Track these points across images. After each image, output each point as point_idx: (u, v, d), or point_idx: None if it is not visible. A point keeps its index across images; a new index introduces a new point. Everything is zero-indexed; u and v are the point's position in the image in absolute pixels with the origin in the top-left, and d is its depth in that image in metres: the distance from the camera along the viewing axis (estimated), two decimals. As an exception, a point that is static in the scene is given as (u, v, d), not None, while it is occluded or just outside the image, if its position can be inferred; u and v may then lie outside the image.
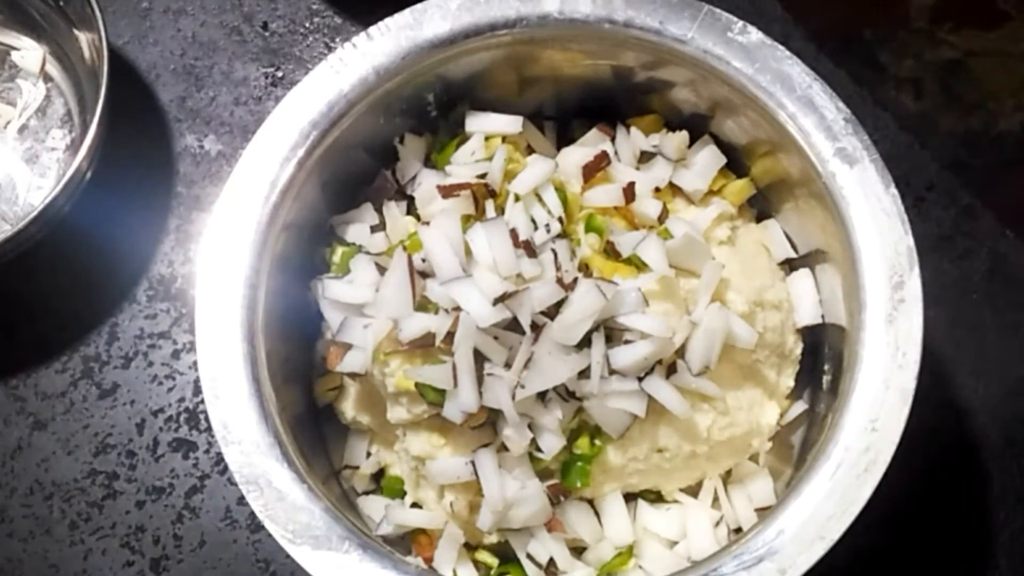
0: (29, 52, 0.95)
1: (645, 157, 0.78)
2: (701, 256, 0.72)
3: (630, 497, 0.74)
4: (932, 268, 0.85)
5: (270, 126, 0.73)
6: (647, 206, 0.73)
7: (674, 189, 0.78)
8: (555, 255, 0.69)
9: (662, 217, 0.72)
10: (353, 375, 0.73)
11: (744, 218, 0.80)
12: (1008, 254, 0.87)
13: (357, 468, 0.78)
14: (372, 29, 0.74)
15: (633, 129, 0.79)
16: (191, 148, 0.93)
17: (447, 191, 0.73)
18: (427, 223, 0.73)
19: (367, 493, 0.79)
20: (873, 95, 0.91)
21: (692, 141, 0.78)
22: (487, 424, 0.70)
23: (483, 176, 0.73)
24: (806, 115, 0.71)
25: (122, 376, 0.88)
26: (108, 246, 0.90)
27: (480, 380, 0.67)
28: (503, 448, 0.70)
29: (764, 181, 0.78)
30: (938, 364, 0.85)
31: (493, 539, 0.73)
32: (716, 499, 0.75)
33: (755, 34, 0.73)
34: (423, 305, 0.70)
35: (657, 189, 0.76)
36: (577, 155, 0.75)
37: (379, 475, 0.79)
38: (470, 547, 0.75)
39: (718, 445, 0.73)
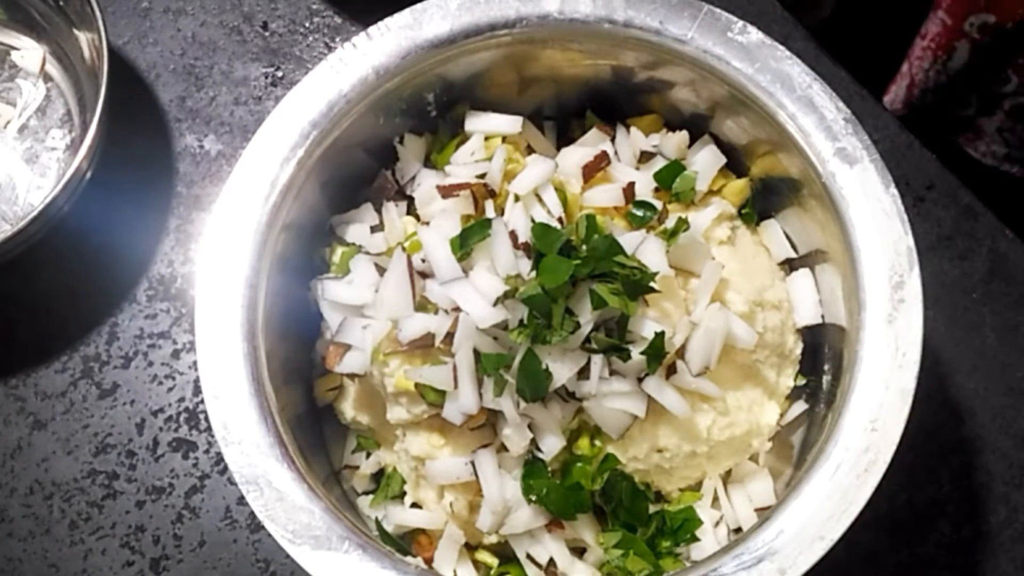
0: (29, 52, 0.95)
1: (645, 157, 0.78)
2: (701, 256, 0.72)
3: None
4: (932, 268, 0.85)
5: (270, 126, 0.73)
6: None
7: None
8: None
9: (662, 217, 0.72)
10: (352, 375, 0.73)
11: (744, 218, 0.80)
12: (1008, 254, 0.87)
13: (357, 468, 0.78)
14: (372, 29, 0.74)
15: (633, 129, 0.79)
16: (191, 148, 0.93)
17: (447, 191, 0.73)
18: (427, 223, 0.73)
19: (367, 493, 0.79)
20: (873, 95, 0.91)
21: (692, 141, 0.78)
22: (487, 424, 0.70)
23: (483, 176, 0.73)
24: (806, 115, 0.71)
25: (122, 376, 0.88)
26: (108, 246, 0.90)
27: (480, 381, 0.67)
28: (503, 448, 0.70)
29: (764, 181, 0.78)
30: (938, 364, 0.85)
31: (493, 539, 0.73)
32: (716, 499, 0.75)
33: (755, 34, 0.73)
34: (423, 305, 0.70)
35: (657, 189, 0.76)
36: (577, 155, 0.75)
37: (379, 475, 0.79)
38: (470, 547, 0.75)
39: (718, 445, 0.73)
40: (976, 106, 0.89)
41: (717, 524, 0.74)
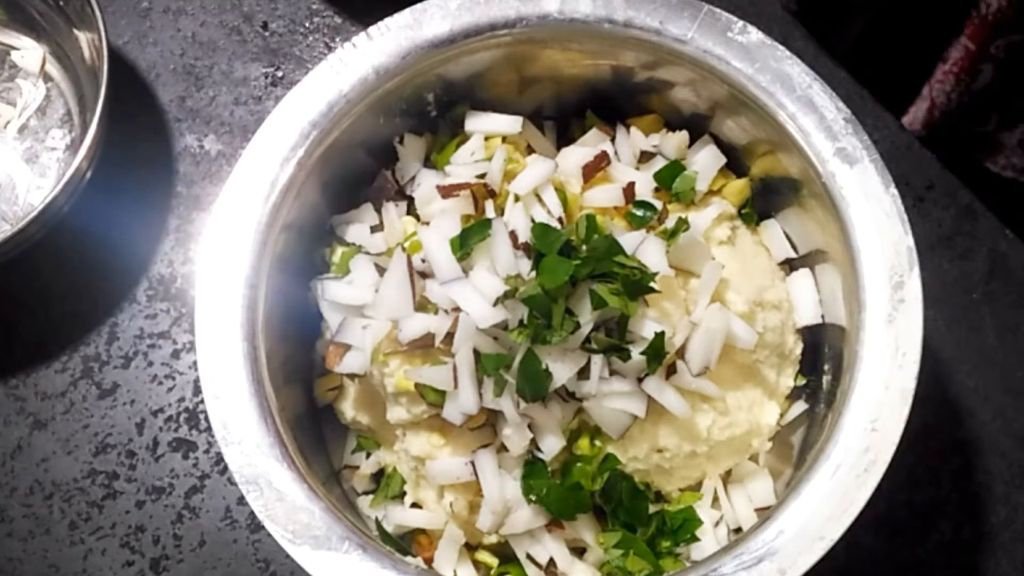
0: (29, 52, 0.95)
1: (645, 157, 0.78)
2: (701, 256, 0.72)
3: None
4: (932, 268, 0.85)
5: (270, 126, 0.73)
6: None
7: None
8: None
9: (662, 217, 0.72)
10: (352, 375, 0.73)
11: (744, 218, 0.80)
12: (1008, 254, 0.87)
13: (357, 468, 0.78)
14: (372, 29, 0.74)
15: (633, 129, 0.79)
16: (191, 148, 0.93)
17: (447, 191, 0.73)
18: (427, 223, 0.73)
19: (367, 493, 0.79)
20: (873, 95, 0.91)
21: (692, 141, 0.78)
22: (487, 424, 0.70)
23: (483, 176, 0.73)
24: (806, 115, 0.71)
25: (122, 376, 0.88)
26: (108, 246, 0.91)
27: (480, 381, 0.67)
28: (503, 448, 0.70)
29: (764, 181, 0.78)
30: (938, 364, 0.85)
31: (493, 539, 0.73)
32: (716, 499, 0.75)
33: (755, 34, 0.73)
34: (423, 305, 0.70)
35: (657, 189, 0.76)
36: (577, 155, 0.75)
37: (379, 475, 0.79)
38: (470, 547, 0.75)
39: (718, 445, 0.73)
40: (996, 122, 0.89)
41: (717, 524, 0.74)
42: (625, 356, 0.67)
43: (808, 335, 0.78)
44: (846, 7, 0.93)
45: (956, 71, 0.85)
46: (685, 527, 0.73)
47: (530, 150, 0.79)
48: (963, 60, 0.83)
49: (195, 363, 0.83)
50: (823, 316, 0.76)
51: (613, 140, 0.79)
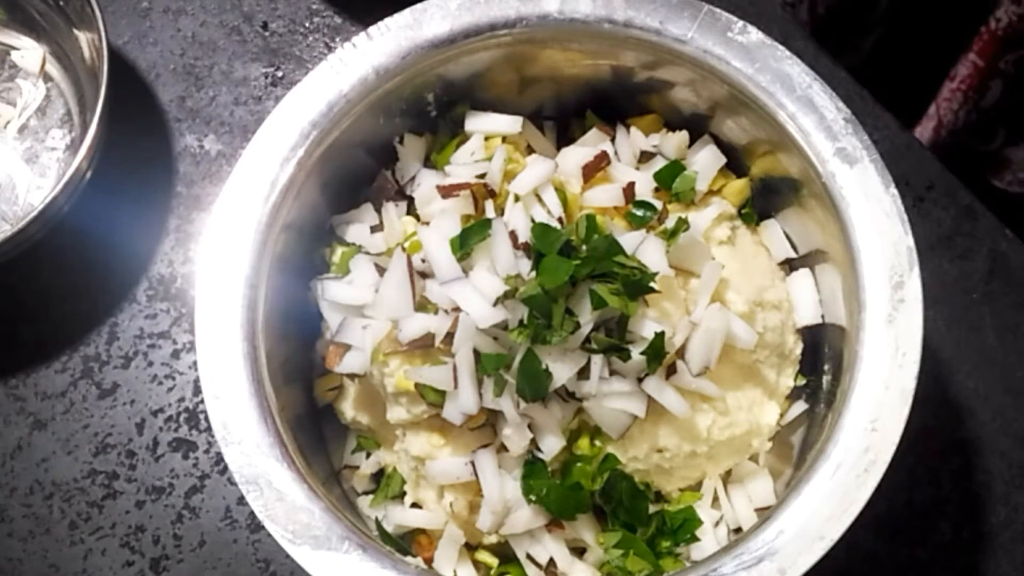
0: (29, 52, 0.95)
1: (645, 157, 0.78)
2: (701, 256, 0.72)
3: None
4: (932, 268, 0.85)
5: (270, 126, 0.73)
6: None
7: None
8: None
9: (662, 217, 0.72)
10: (352, 375, 0.73)
11: (744, 218, 0.80)
12: (1008, 254, 0.87)
13: (357, 468, 0.78)
14: (372, 29, 0.74)
15: (633, 129, 0.79)
16: (191, 148, 0.93)
17: (447, 191, 0.73)
18: (427, 223, 0.73)
19: (367, 493, 0.79)
20: (873, 95, 0.91)
21: (692, 141, 0.78)
22: (487, 424, 0.70)
23: (483, 176, 0.73)
24: (806, 115, 0.71)
25: (122, 376, 0.88)
26: (108, 246, 0.91)
27: (480, 381, 0.67)
28: (503, 448, 0.70)
29: (764, 181, 0.78)
30: (938, 364, 0.85)
31: (493, 539, 0.73)
32: (716, 499, 0.75)
33: (755, 34, 0.73)
34: (423, 305, 0.70)
35: (657, 189, 0.76)
36: (577, 155, 0.75)
37: (379, 475, 0.79)
38: (470, 547, 0.75)
39: (718, 445, 0.73)
40: (1003, 137, 0.89)
41: (717, 524, 0.74)
42: (625, 356, 0.67)
43: (808, 335, 0.78)
44: (858, 26, 0.93)
45: (964, 88, 0.85)
46: (685, 527, 0.73)
47: (530, 150, 0.79)
48: (971, 77, 0.83)
49: (195, 363, 0.82)
50: (823, 316, 0.76)
51: (613, 140, 0.79)
